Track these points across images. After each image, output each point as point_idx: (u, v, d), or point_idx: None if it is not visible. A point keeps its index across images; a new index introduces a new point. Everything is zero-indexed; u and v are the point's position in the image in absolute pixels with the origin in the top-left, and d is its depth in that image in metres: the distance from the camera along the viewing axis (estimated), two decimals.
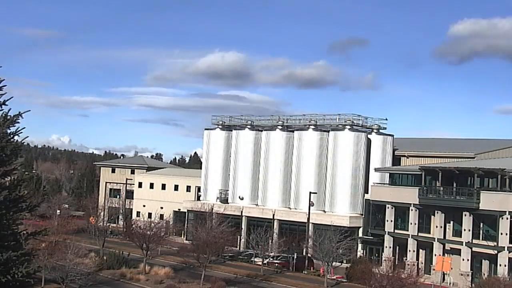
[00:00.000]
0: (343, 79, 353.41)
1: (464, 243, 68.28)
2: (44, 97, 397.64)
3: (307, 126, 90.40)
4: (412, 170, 78.23)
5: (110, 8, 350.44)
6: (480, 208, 67.10)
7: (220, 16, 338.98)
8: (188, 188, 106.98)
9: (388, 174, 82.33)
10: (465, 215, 68.17)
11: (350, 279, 67.64)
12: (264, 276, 68.24)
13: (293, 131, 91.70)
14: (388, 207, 76.29)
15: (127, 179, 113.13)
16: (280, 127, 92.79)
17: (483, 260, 68.19)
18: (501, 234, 65.79)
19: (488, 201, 66.60)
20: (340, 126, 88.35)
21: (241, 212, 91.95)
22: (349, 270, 68.70)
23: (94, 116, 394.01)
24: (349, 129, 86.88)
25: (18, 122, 28.97)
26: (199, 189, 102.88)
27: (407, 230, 74.29)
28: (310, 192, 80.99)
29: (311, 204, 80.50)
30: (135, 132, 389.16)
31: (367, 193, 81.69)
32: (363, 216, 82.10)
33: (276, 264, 74.74)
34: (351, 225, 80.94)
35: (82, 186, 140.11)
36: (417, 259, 73.67)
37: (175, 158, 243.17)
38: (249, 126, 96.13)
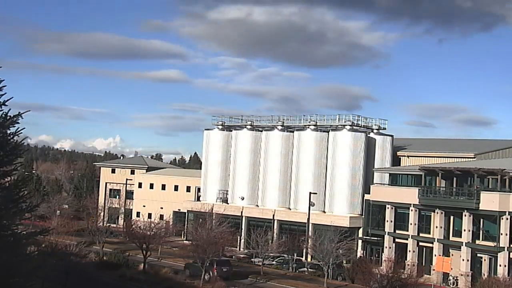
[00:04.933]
0: None
1: (464, 243, 68.28)
2: None
3: (307, 126, 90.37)
4: (412, 170, 78.23)
5: None
6: (480, 208, 67.11)
7: None
8: (188, 189, 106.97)
9: (388, 174, 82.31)
10: (465, 215, 68.19)
11: (350, 280, 67.52)
12: (264, 276, 68.20)
13: (292, 132, 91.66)
14: (388, 207, 76.29)
15: (127, 179, 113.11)
16: (279, 127, 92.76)
17: (483, 261, 68.21)
18: (501, 234, 65.81)
19: (488, 201, 66.60)
20: (340, 126, 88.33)
21: (241, 212, 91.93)
22: (349, 271, 68.61)
23: None
24: (348, 129, 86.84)
25: (18, 123, 28.93)
26: (199, 189, 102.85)
27: (407, 231, 74.28)
28: (310, 193, 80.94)
29: (311, 204, 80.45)
30: None
31: (367, 193, 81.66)
32: (363, 216, 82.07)
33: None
34: (351, 226, 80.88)
35: (82, 186, 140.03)
36: (418, 259, 73.64)
37: (175, 159, 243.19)
38: (248, 127, 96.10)
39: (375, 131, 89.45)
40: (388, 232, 75.90)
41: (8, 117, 28.71)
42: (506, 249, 65.59)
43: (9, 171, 29.48)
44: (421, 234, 73.81)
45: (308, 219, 79.77)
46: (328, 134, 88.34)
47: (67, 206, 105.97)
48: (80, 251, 62.12)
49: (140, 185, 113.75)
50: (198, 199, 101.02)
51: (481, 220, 69.00)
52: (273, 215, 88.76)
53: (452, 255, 70.10)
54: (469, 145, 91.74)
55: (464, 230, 68.39)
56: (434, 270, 69.89)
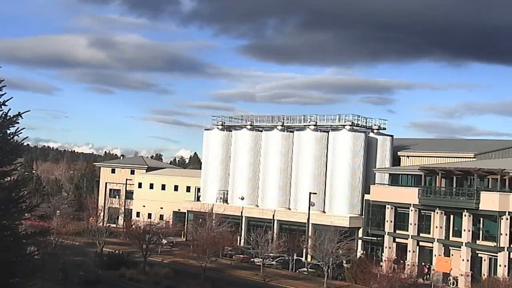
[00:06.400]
0: None
1: (464, 244, 68.25)
2: None
3: (307, 126, 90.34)
4: (412, 170, 78.20)
5: None
6: (480, 208, 67.08)
7: None
8: (188, 189, 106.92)
9: (388, 174, 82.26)
10: (465, 215, 68.16)
11: (353, 280, 67.45)
12: (263, 276, 68.24)
13: (292, 131, 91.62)
14: (388, 208, 76.24)
15: (127, 179, 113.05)
16: (279, 127, 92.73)
17: (483, 260, 68.19)
18: (501, 234, 65.80)
19: (488, 201, 66.57)
20: (340, 126, 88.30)
21: (241, 212, 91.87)
22: (349, 271, 68.59)
23: None
24: (348, 129, 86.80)
25: (18, 123, 28.95)
26: (199, 189, 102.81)
27: (407, 231, 74.22)
28: (310, 193, 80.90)
29: (312, 204, 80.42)
30: None
31: (367, 193, 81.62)
32: (363, 216, 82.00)
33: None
34: (351, 226, 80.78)
35: (82, 186, 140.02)
36: (418, 259, 73.59)
37: (175, 159, 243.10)
38: (248, 126, 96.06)
39: (375, 131, 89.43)
40: (388, 232, 75.86)
41: (8, 117, 28.74)
42: (506, 249, 65.56)
43: (9, 171, 29.50)
44: (421, 234, 73.76)
45: (308, 219, 79.74)
46: (328, 134, 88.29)
47: (67, 206, 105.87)
48: (80, 251, 62.15)
49: (140, 185, 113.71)
50: (198, 199, 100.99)
51: (481, 220, 68.99)
52: (273, 215, 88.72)
53: (452, 255, 70.11)
54: (469, 145, 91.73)
55: (464, 230, 68.35)
56: (434, 270, 69.88)
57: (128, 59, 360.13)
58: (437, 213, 71.51)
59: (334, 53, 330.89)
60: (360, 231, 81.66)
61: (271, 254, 75.08)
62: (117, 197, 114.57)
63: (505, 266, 65.17)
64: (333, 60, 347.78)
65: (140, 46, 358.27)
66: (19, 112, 29.07)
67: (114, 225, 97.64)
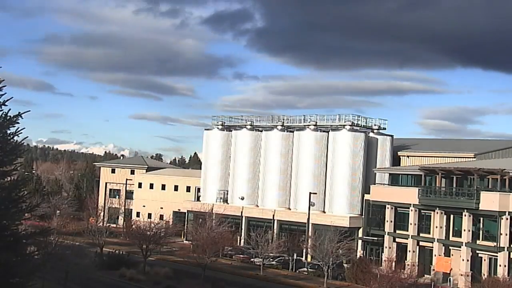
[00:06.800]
0: None
1: (464, 243, 68.26)
2: None
3: (306, 126, 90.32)
4: (412, 170, 78.21)
5: None
6: (480, 208, 67.09)
7: None
8: (188, 189, 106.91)
9: (388, 174, 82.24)
10: (465, 215, 68.18)
11: (350, 280, 67.46)
12: (264, 276, 68.23)
13: (292, 131, 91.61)
14: (388, 207, 76.26)
15: (127, 179, 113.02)
16: (279, 127, 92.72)
17: (483, 260, 68.20)
18: (501, 234, 65.81)
19: (488, 201, 66.57)
20: (340, 126, 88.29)
21: (241, 212, 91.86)
22: (349, 271, 68.59)
23: None
24: (348, 129, 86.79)
25: (18, 123, 28.96)
26: (199, 189, 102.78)
27: (407, 231, 74.24)
28: (310, 193, 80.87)
29: (312, 204, 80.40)
30: None
31: (367, 193, 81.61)
32: (363, 216, 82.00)
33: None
34: (351, 226, 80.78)
35: (82, 186, 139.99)
36: (418, 259, 73.59)
37: (175, 159, 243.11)
38: (248, 126, 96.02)
39: (375, 131, 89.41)
40: (388, 232, 75.87)
41: (8, 117, 28.75)
42: (506, 249, 65.58)
43: (9, 171, 29.51)
44: (421, 234, 73.77)
45: (308, 219, 79.72)
46: (328, 134, 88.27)
47: (67, 206, 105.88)
48: (80, 251, 62.06)
49: (140, 185, 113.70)
50: (198, 199, 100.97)
51: (481, 220, 69.00)
52: (273, 215, 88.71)
53: (452, 255, 70.13)
54: (469, 145, 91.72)
55: (464, 230, 68.37)
56: (434, 270, 69.89)
57: (180, 66, 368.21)
58: (437, 213, 71.52)
59: (367, 60, 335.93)
60: (360, 231, 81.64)
61: (271, 254, 75.03)
62: (117, 197, 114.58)
63: (505, 266, 65.19)
64: (369, 65, 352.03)
65: (197, 54, 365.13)
66: (19, 112, 29.10)
67: (114, 225, 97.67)
